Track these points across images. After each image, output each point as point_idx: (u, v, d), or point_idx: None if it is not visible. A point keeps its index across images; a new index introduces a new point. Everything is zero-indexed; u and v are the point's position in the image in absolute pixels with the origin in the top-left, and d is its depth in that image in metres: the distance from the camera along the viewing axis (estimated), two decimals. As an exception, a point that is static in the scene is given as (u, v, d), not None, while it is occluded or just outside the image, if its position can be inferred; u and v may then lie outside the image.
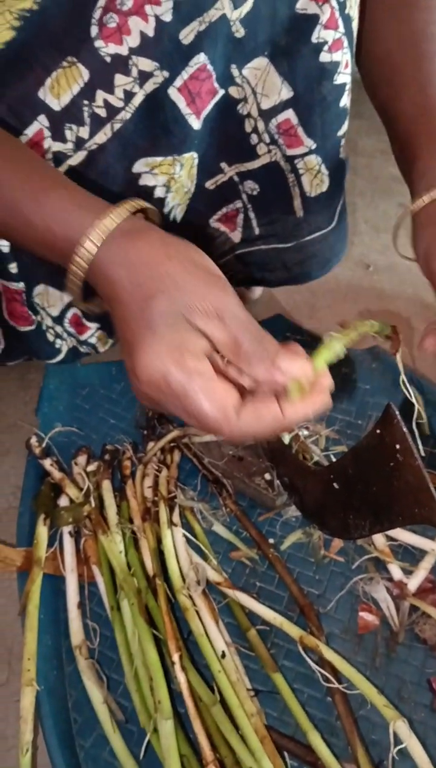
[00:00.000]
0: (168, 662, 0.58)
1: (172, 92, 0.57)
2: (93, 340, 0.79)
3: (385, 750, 0.56)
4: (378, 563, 0.68)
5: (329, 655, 0.59)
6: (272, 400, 0.40)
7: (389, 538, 0.69)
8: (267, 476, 0.72)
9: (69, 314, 0.74)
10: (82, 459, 0.76)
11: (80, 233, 0.42)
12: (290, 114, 0.63)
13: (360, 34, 0.64)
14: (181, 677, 0.56)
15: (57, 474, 0.72)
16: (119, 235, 0.42)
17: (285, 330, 0.93)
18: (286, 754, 0.56)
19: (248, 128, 0.64)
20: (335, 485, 0.58)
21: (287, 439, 0.74)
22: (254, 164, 0.68)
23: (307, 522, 0.72)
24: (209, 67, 0.57)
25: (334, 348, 0.48)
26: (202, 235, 0.74)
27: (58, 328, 0.74)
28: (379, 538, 0.69)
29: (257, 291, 0.99)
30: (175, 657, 0.57)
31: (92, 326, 0.78)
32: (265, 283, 0.85)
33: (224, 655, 0.59)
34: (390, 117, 0.66)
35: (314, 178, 0.69)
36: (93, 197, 0.46)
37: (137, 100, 0.57)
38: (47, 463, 0.73)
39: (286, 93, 0.61)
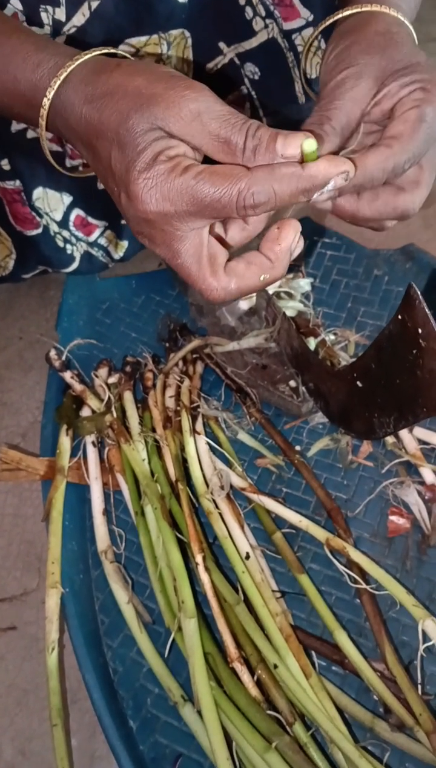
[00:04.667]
0: (192, 564, 0.58)
1: None
2: (103, 242, 0.76)
3: (415, 651, 0.55)
4: (409, 467, 0.66)
5: (356, 556, 0.58)
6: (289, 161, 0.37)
7: (422, 442, 0.67)
8: (292, 383, 0.70)
9: (72, 216, 0.71)
10: (103, 371, 0.74)
11: (41, 75, 0.40)
12: None
13: None
14: (204, 578, 0.56)
15: (78, 386, 0.71)
16: (81, 73, 0.39)
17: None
18: (313, 654, 0.56)
19: (242, 0, 0.59)
20: (359, 384, 0.56)
21: (312, 344, 0.71)
22: (252, 43, 0.62)
23: (334, 428, 0.70)
24: None
25: None
26: None
27: (65, 233, 0.72)
28: (410, 442, 0.66)
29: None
30: (199, 558, 0.57)
31: (99, 224, 0.75)
32: None
33: (248, 557, 0.58)
34: None
35: (314, 56, 0.62)
36: (57, 43, 0.43)
37: None
38: (67, 375, 0.72)
39: None
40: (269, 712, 0.50)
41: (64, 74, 0.39)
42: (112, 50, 0.42)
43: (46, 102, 0.40)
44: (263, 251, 0.40)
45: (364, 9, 0.47)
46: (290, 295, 0.76)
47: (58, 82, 0.39)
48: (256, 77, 0.65)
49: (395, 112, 0.43)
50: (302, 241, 0.41)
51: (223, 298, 0.40)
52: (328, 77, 0.45)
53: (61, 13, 0.53)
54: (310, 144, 0.36)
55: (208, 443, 0.67)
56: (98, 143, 0.38)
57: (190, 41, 0.60)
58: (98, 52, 0.41)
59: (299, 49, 0.62)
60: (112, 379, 0.74)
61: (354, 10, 0.48)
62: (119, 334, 0.81)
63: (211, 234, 0.40)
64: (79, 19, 0.54)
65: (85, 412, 0.70)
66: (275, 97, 0.67)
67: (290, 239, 0.40)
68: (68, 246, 0.72)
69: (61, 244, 0.71)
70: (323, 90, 0.45)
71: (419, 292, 0.42)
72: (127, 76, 0.38)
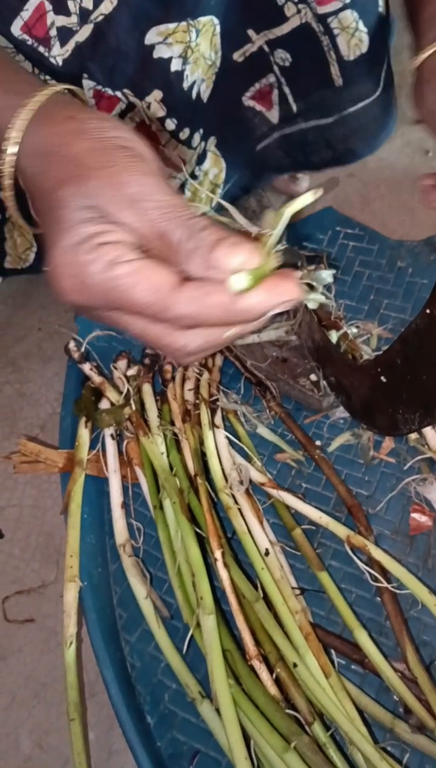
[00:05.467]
0: (211, 559, 0.57)
1: None
2: None
3: (436, 651, 0.54)
4: (432, 464, 0.65)
5: (377, 554, 0.57)
6: (222, 286, 0.31)
7: (445, 438, 0.65)
8: (313, 377, 0.69)
9: None
10: (122, 363, 0.74)
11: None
12: None
13: None
14: (223, 574, 0.55)
15: (97, 378, 0.71)
16: (36, 122, 0.35)
17: (335, 224, 0.86)
18: (333, 652, 0.55)
19: None
20: (383, 379, 0.54)
21: (334, 337, 0.70)
22: (283, 29, 0.60)
23: (355, 423, 0.68)
24: None
25: (277, 219, 0.38)
26: (236, 115, 0.68)
27: None
28: (434, 438, 0.65)
29: (304, 184, 0.92)
30: (218, 554, 0.56)
31: None
32: (309, 166, 0.78)
33: (267, 553, 0.57)
34: None
35: (352, 38, 0.60)
36: (21, 77, 0.39)
37: None
38: (86, 367, 0.72)
39: None
40: (287, 711, 0.50)
41: (13, 130, 0.35)
42: (69, 87, 0.39)
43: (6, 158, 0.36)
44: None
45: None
46: (311, 287, 0.74)
47: (9, 146, 0.35)
48: (287, 63, 0.63)
49: None
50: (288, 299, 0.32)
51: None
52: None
53: (88, 2, 0.52)
54: (238, 281, 0.30)
55: (228, 437, 0.66)
56: (35, 205, 0.35)
57: (218, 29, 0.59)
58: (51, 91, 0.37)
59: (336, 31, 0.60)
60: (132, 372, 0.73)
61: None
62: (138, 326, 0.81)
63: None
64: (107, 6, 0.53)
65: (104, 404, 0.70)
66: (309, 82, 0.65)
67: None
68: None
69: None
70: None
71: (448, 287, 0.41)
72: (72, 137, 0.33)
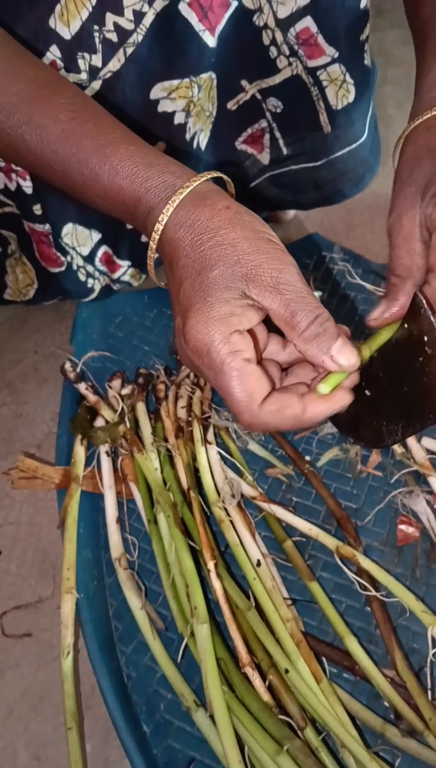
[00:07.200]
0: (204, 572, 0.59)
1: (183, 8, 0.55)
2: (126, 278, 0.79)
3: (425, 658, 0.56)
4: (418, 477, 0.67)
5: (366, 564, 0.59)
6: (296, 399, 0.40)
7: (430, 452, 0.68)
8: (302, 394, 0.71)
9: (100, 252, 0.73)
10: (116, 383, 0.76)
11: (147, 190, 0.42)
12: (308, 22, 0.59)
13: None
14: (216, 584, 0.57)
15: (92, 397, 0.73)
16: (188, 198, 0.41)
17: (321, 249, 0.90)
18: (325, 661, 0.57)
19: (266, 40, 0.61)
20: (367, 393, 0.57)
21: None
22: (275, 79, 0.64)
23: (343, 439, 0.71)
24: None
25: (382, 338, 0.47)
26: (229, 159, 0.72)
27: (90, 268, 0.74)
28: (419, 452, 0.67)
29: (291, 212, 0.96)
30: (211, 565, 0.57)
31: (124, 264, 0.77)
32: (298, 205, 0.82)
33: (259, 564, 0.59)
34: (410, 21, 0.59)
35: (339, 89, 0.65)
36: (163, 156, 0.44)
37: (148, 20, 0.55)
38: (82, 387, 0.74)
39: None
40: (280, 716, 0.51)
41: (177, 201, 0.40)
42: (221, 175, 0.44)
43: (159, 227, 0.41)
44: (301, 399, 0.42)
45: (418, 121, 0.48)
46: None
47: (171, 210, 0.40)
48: (278, 110, 0.67)
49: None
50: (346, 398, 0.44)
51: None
52: (392, 213, 0.47)
53: (97, 60, 0.55)
54: (323, 389, 0.42)
55: (220, 453, 0.68)
56: (177, 266, 0.40)
57: (215, 82, 0.62)
58: (209, 176, 0.43)
59: (324, 83, 0.63)
60: (126, 391, 0.75)
61: (411, 126, 0.49)
62: (132, 347, 0.83)
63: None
64: (115, 64, 0.56)
65: (99, 422, 0.72)
66: (299, 127, 0.69)
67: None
68: (90, 280, 0.74)
69: (83, 278, 0.73)
70: (392, 231, 0.47)
71: (424, 301, 0.43)
72: (229, 225, 0.39)
